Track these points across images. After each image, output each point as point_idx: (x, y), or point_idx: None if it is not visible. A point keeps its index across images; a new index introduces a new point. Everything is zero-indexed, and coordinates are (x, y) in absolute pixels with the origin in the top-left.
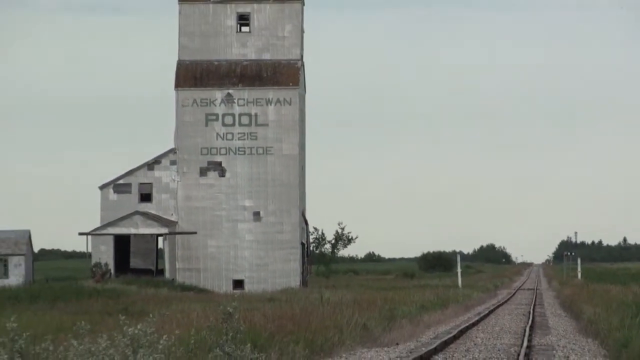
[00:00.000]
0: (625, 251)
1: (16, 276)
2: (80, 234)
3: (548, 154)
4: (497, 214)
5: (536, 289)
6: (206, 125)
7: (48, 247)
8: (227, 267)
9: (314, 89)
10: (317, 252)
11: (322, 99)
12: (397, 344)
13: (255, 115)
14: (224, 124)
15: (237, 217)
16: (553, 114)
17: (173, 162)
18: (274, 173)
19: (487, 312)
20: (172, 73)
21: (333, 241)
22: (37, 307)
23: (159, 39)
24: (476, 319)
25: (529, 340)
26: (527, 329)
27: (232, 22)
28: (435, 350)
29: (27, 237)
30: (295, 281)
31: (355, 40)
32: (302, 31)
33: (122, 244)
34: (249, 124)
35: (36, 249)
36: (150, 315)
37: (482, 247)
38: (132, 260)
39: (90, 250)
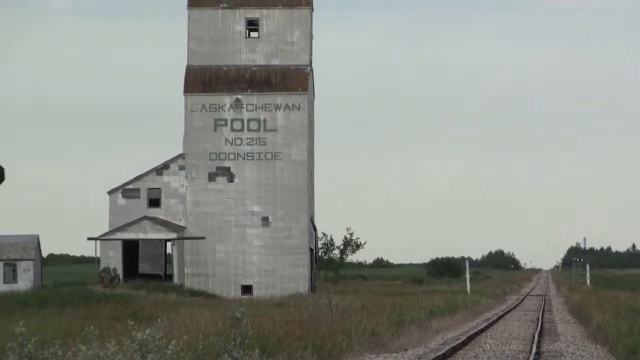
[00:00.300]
0: (634, 257)
1: (25, 281)
2: (89, 239)
3: (557, 160)
4: (506, 220)
5: (545, 295)
6: (215, 130)
7: (57, 252)
8: (235, 273)
9: (323, 95)
10: (325, 257)
11: (330, 104)
12: (406, 349)
13: (264, 120)
14: (232, 130)
15: (245, 223)
16: (563, 120)
17: (182, 167)
18: (283, 178)
19: (495, 318)
20: (181, 78)
21: (342, 247)
22: (45, 312)
23: (168, 44)
24: (485, 325)
25: (538, 347)
26: (536, 335)
27: (241, 27)
28: (444, 356)
29: (35, 242)
30: (303, 287)
31: (364, 46)
32: (311, 37)
33: (130, 249)
34: (258, 130)
35: (45, 254)
36: (159, 321)
37: (490, 253)
38: (141, 266)
39: (98, 255)
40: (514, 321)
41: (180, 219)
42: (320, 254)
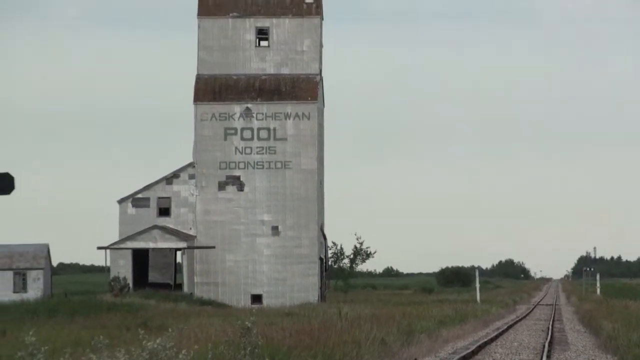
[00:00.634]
0: None
1: (35, 290)
2: (99, 248)
3: (567, 169)
4: (516, 229)
5: (555, 305)
6: (225, 139)
7: (67, 261)
8: (245, 282)
9: (333, 104)
10: (335, 266)
11: (340, 113)
12: (416, 359)
13: (274, 129)
14: (242, 138)
15: (255, 232)
16: (573, 130)
17: (192, 176)
18: (293, 187)
19: (505, 327)
20: (191, 87)
21: (351, 256)
22: (55, 321)
23: (178, 53)
24: (495, 334)
25: (548, 357)
26: (546, 345)
27: (251, 36)
28: None
29: (45, 251)
30: (313, 296)
31: (374, 55)
32: (321, 46)
33: (140, 258)
34: (268, 138)
35: (55, 263)
36: (169, 330)
37: (500, 262)
38: (151, 275)
39: (108, 264)
40: (524, 330)
41: (190, 228)
42: (330, 263)
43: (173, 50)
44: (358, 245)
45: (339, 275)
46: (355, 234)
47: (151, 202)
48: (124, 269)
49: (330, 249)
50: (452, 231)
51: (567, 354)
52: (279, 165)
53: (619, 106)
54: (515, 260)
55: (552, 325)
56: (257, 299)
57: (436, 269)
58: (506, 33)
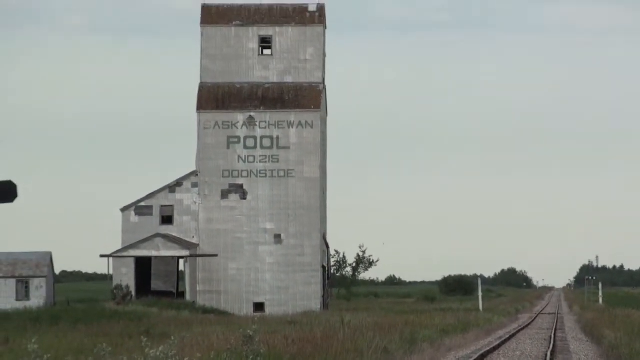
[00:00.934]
0: None
1: (37, 298)
2: (102, 256)
3: (570, 179)
4: (518, 238)
5: (557, 314)
6: (228, 147)
7: (69, 269)
8: (247, 290)
9: (336, 112)
10: (338, 275)
11: (343, 122)
12: None
13: (277, 137)
14: (245, 147)
15: (258, 240)
16: (575, 139)
17: (194, 185)
18: (295, 196)
19: (508, 336)
20: (194, 95)
21: (354, 264)
22: (58, 329)
23: (181, 61)
24: (497, 343)
25: None
26: (549, 354)
27: (254, 45)
28: None
29: (48, 259)
30: (316, 304)
31: (377, 64)
32: (324, 54)
33: (143, 266)
34: (271, 147)
35: (57, 271)
36: (172, 338)
37: (503, 271)
38: (153, 283)
39: (111, 272)
40: (527, 339)
41: (193, 236)
42: (332, 271)
43: (176, 59)
44: (360, 254)
45: (342, 283)
46: (361, 247)
47: (154, 210)
48: (127, 277)
49: (332, 257)
50: (455, 240)
51: None
52: (281, 173)
53: (623, 118)
54: (518, 269)
55: (555, 334)
56: (259, 307)
57: (439, 278)
58: (508, 41)
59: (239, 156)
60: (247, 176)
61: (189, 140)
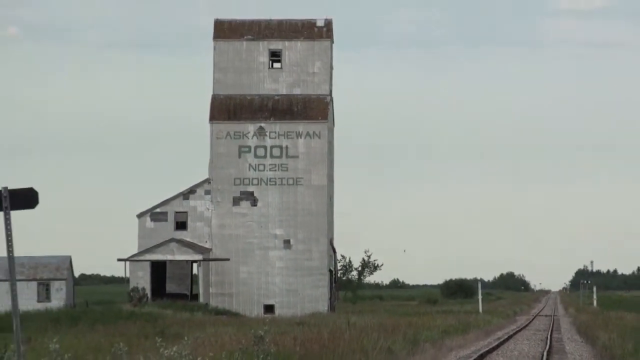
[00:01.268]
0: (639, 280)
1: (58, 300)
2: (119, 260)
3: (566, 188)
4: (516, 244)
5: (553, 316)
6: (239, 156)
7: (88, 272)
8: (258, 292)
9: (343, 123)
10: (344, 278)
11: (350, 132)
12: None
13: (286, 147)
14: (256, 156)
15: (268, 245)
16: (571, 150)
17: (207, 192)
18: (304, 203)
19: (506, 337)
20: (207, 107)
21: (360, 268)
22: (77, 330)
23: (194, 74)
24: (496, 343)
25: None
26: (545, 354)
27: (265, 58)
28: None
29: (68, 262)
30: (323, 306)
31: (383, 77)
32: (331, 68)
33: (158, 269)
34: (280, 156)
35: (77, 274)
36: (185, 338)
37: (502, 274)
38: (168, 285)
39: (128, 275)
40: (524, 340)
41: (206, 241)
42: (339, 275)
43: (190, 71)
44: (366, 258)
45: (348, 286)
46: (366, 251)
47: (169, 216)
48: (143, 280)
49: (339, 262)
50: (456, 245)
51: None
52: (290, 181)
53: (616, 125)
54: (516, 273)
55: (551, 335)
56: (269, 309)
57: (440, 281)
58: (508, 57)
59: (250, 165)
60: (258, 184)
61: (202, 149)
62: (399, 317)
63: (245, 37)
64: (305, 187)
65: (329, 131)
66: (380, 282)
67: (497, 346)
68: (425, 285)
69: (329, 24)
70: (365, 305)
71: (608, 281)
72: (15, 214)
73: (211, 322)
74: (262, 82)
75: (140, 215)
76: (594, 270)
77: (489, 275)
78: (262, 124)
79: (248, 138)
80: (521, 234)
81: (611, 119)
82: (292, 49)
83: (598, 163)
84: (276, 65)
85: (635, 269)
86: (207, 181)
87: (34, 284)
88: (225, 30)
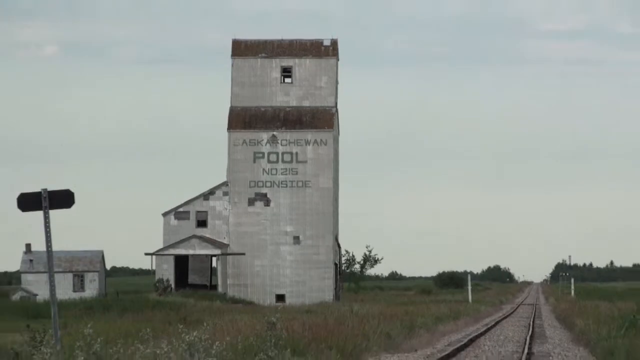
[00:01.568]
0: (612, 272)
1: (91, 290)
2: (146, 254)
3: (548, 190)
4: (503, 240)
5: (535, 304)
6: (254, 162)
7: (118, 265)
8: (270, 283)
9: (346, 132)
10: (348, 271)
11: (353, 140)
12: (416, 350)
13: (296, 153)
14: (269, 161)
15: (279, 241)
16: (552, 157)
17: (225, 193)
18: (312, 203)
19: (493, 323)
20: (225, 117)
21: (362, 262)
22: (108, 317)
23: (215, 88)
24: (484, 329)
25: (529, 348)
26: (528, 338)
27: (277, 74)
28: (449, 356)
29: (100, 256)
30: (329, 296)
31: (383, 91)
32: (337, 82)
33: (181, 262)
34: (291, 161)
35: (108, 267)
36: (205, 324)
37: (489, 267)
38: (190, 277)
39: (154, 268)
40: (509, 326)
41: (224, 238)
42: (343, 268)
43: (210, 86)
44: (367, 253)
45: (351, 278)
46: (367, 247)
47: (191, 215)
48: (167, 272)
49: (343, 256)
50: (448, 241)
51: (546, 346)
52: (300, 184)
53: (591, 139)
54: (502, 266)
55: (533, 322)
56: (280, 298)
57: (434, 273)
58: (499, 72)
59: (264, 169)
60: (270, 186)
61: (220, 155)
62: (397, 306)
63: (259, 55)
64: (313, 189)
65: (334, 139)
66: (380, 275)
67: (485, 331)
68: (420, 277)
69: (334, 43)
70: (367, 295)
71: (584, 273)
72: (53, 213)
73: (228, 310)
74: (275, 95)
75: (165, 214)
76: (572, 263)
77: (477, 268)
78: (275, 133)
79: (262, 145)
80: (507, 232)
81: (586, 129)
82: (302, 66)
83: (575, 171)
84: (287, 80)
85: (608, 262)
86: (225, 184)
87: (70, 276)
88: (242, 49)
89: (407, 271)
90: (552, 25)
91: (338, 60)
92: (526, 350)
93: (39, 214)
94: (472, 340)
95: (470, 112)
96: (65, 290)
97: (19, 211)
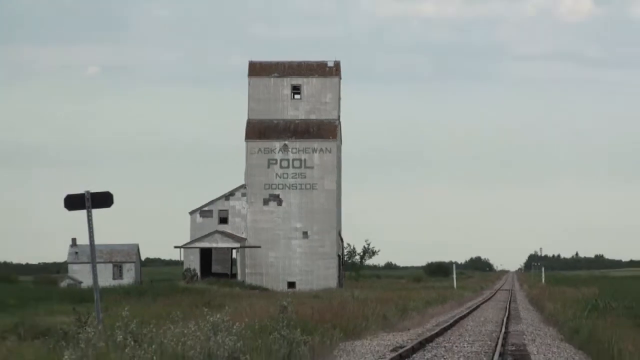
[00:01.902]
0: (577, 262)
1: (128, 278)
2: (176, 247)
3: (522, 189)
4: (483, 234)
5: (511, 290)
6: (268, 167)
7: (152, 256)
8: (283, 272)
9: (348, 142)
10: (349, 262)
11: (354, 149)
12: (409, 329)
13: (304, 160)
14: (281, 167)
15: (290, 236)
16: (526, 160)
17: (244, 195)
18: (318, 203)
19: (475, 306)
20: (243, 128)
21: (361, 253)
22: (143, 301)
23: (234, 103)
24: (467, 311)
25: (506, 327)
26: (505, 319)
27: (288, 91)
28: (437, 334)
29: (136, 249)
30: (333, 283)
31: (381, 106)
32: (339, 98)
33: (206, 254)
34: (300, 167)
35: (143, 258)
36: (227, 308)
37: (471, 258)
38: (213, 267)
39: (182, 259)
40: (489, 309)
41: (243, 233)
42: (345, 259)
43: (230, 101)
44: (366, 246)
45: (352, 268)
46: (366, 240)
47: (214, 213)
48: (194, 263)
49: (345, 249)
50: (436, 235)
51: (520, 326)
52: (308, 186)
53: (567, 140)
54: (483, 257)
55: (509, 305)
56: (291, 285)
57: (424, 263)
58: (485, 89)
59: (276, 174)
60: (282, 188)
61: (239, 162)
62: (392, 292)
63: (272, 75)
64: (319, 191)
65: (338, 148)
66: (377, 264)
67: (468, 313)
68: (412, 267)
69: (337, 64)
70: (366, 283)
71: (553, 263)
72: (95, 212)
73: (246, 296)
74: (286, 109)
75: (192, 213)
76: (543, 254)
77: (461, 259)
78: (286, 142)
79: (275, 153)
80: (487, 227)
81: (558, 132)
82: (309, 84)
83: (545, 174)
84: (297, 96)
85: (574, 253)
86: (243, 186)
87: (110, 266)
88: (257, 69)
89: (401, 261)
90: (526, 49)
91: (340, 79)
92: (503, 330)
93: (83, 212)
94: (457, 321)
95: (453, 120)
96: (105, 278)
97: (66, 210)
